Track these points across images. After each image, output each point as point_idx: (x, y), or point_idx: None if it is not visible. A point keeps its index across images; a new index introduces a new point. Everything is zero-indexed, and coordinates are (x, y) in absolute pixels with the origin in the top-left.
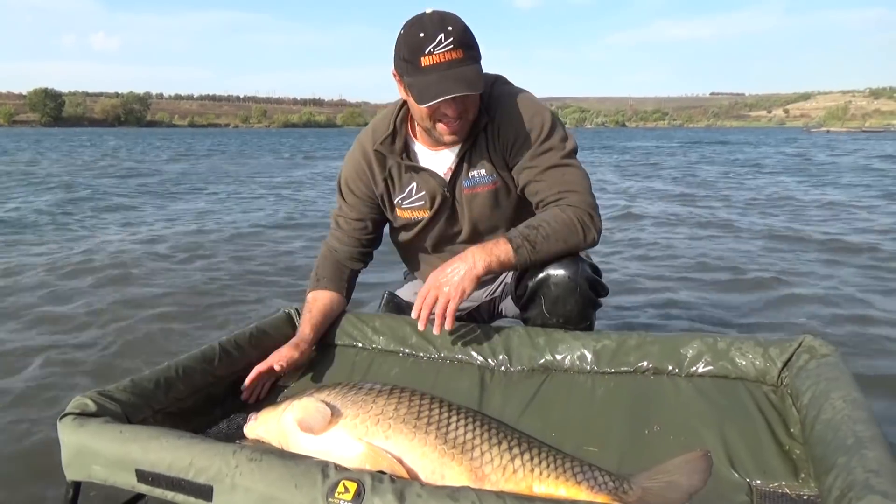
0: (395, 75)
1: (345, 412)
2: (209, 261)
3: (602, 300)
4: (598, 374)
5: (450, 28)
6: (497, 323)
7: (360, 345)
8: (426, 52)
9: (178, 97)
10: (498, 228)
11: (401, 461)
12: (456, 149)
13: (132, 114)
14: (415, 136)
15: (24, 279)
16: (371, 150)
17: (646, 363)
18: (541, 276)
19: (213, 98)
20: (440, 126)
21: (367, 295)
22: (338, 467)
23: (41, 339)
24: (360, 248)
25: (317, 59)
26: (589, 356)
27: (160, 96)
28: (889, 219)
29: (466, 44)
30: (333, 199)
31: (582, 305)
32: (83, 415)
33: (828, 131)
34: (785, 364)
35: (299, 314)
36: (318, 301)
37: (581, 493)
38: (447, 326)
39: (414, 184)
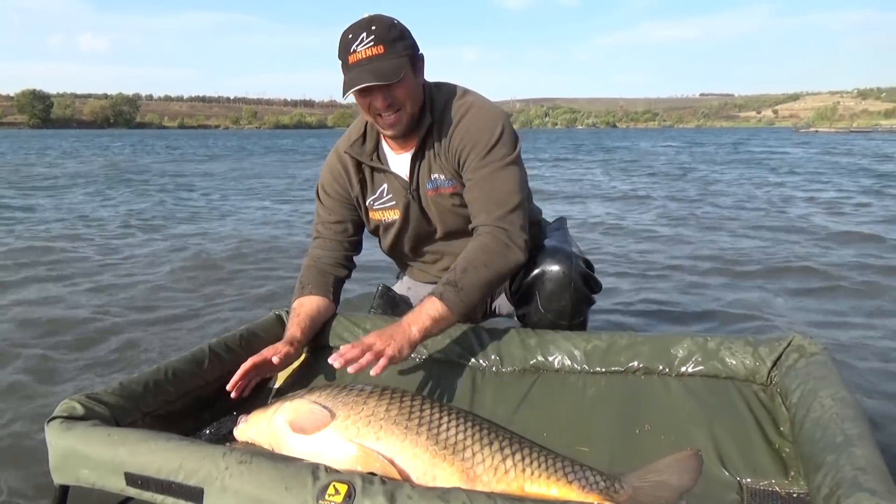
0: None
1: (336, 413)
2: None
3: (595, 297)
4: (588, 374)
5: (373, 27)
6: (490, 323)
7: None
8: (351, 50)
9: (167, 98)
10: (467, 230)
11: (392, 462)
12: (411, 151)
13: (121, 115)
14: (385, 139)
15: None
16: (343, 153)
17: (636, 363)
18: (535, 272)
19: (203, 99)
20: (380, 120)
21: (363, 291)
22: (328, 469)
23: (34, 339)
24: (343, 252)
25: (307, 60)
26: (579, 356)
27: (150, 98)
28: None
29: (389, 40)
30: None
31: (576, 300)
32: (71, 418)
33: (816, 131)
34: (774, 363)
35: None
36: (305, 306)
37: (572, 492)
38: (372, 373)
39: (385, 185)
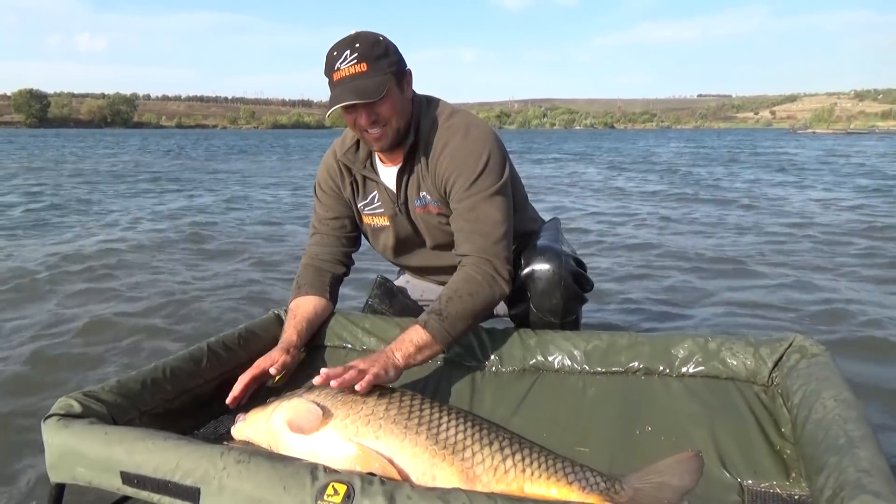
0: None
1: (335, 412)
2: None
3: (587, 295)
4: (588, 374)
5: (357, 45)
6: (487, 323)
7: (350, 345)
8: (335, 68)
9: (165, 98)
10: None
11: (391, 462)
12: (398, 167)
13: (119, 115)
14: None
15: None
16: (338, 157)
17: (637, 363)
18: (526, 271)
19: (201, 99)
20: (365, 135)
21: (358, 293)
22: (327, 469)
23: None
24: (341, 248)
25: (305, 60)
26: (579, 356)
27: (147, 97)
28: None
29: (372, 57)
30: None
31: (567, 299)
32: (68, 416)
33: (814, 132)
34: (776, 364)
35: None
36: (301, 307)
37: (572, 493)
38: (357, 388)
39: (375, 193)
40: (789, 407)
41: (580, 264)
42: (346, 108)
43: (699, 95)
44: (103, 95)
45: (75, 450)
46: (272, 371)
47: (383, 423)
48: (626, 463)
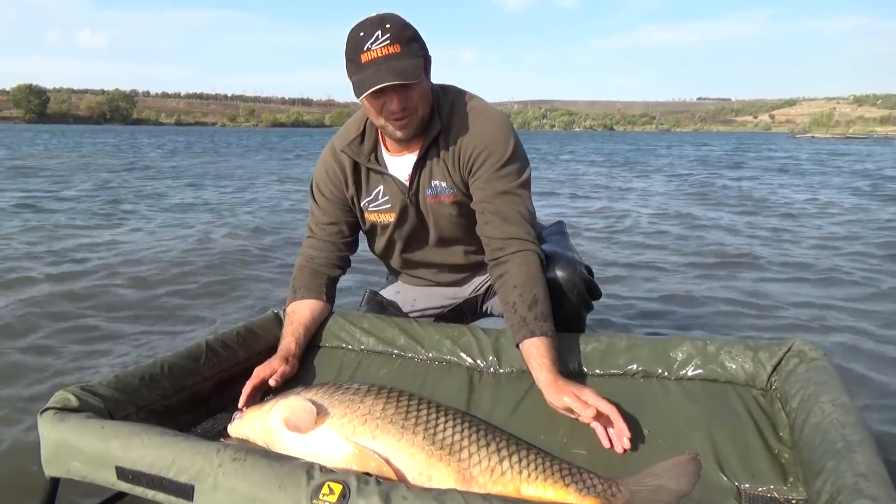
0: (348, 78)
1: (332, 412)
2: None
3: (594, 303)
4: (587, 376)
5: (387, 25)
6: (486, 324)
7: (348, 345)
8: (364, 48)
9: (164, 95)
10: (463, 236)
11: (388, 462)
12: (414, 154)
13: (118, 111)
14: (383, 141)
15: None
16: (339, 151)
17: (635, 366)
18: None
19: (201, 96)
20: (390, 125)
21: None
22: (323, 468)
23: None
24: (338, 253)
25: (305, 58)
26: (578, 359)
27: (146, 94)
28: None
29: (405, 39)
30: None
31: (578, 307)
32: (64, 409)
33: (812, 137)
34: (774, 368)
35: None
36: (298, 313)
37: (569, 495)
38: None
39: (381, 187)
40: (787, 411)
41: (590, 272)
42: (374, 93)
43: (699, 98)
44: (103, 92)
45: (71, 444)
46: (271, 383)
47: (380, 423)
48: (624, 465)
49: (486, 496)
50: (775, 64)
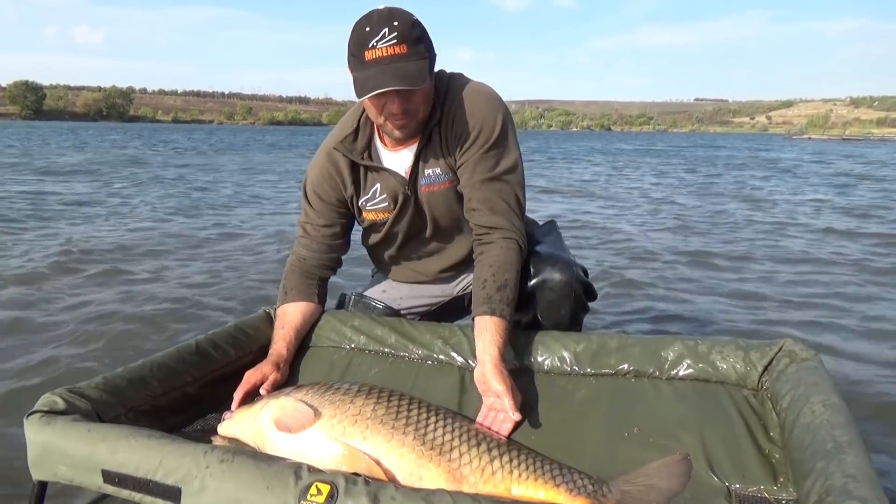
0: (348, 71)
1: (322, 412)
2: None
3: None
4: (578, 375)
5: (395, 23)
6: None
7: (338, 345)
8: (370, 46)
9: (161, 92)
10: (459, 224)
11: (378, 462)
12: (414, 147)
13: (115, 108)
14: (379, 136)
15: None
16: (333, 149)
17: (626, 365)
18: (536, 280)
19: (198, 94)
20: (389, 124)
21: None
22: (311, 469)
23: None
24: (330, 255)
25: (303, 57)
26: (569, 358)
27: (143, 91)
28: None
29: (412, 39)
30: None
31: (575, 310)
32: (51, 412)
33: (809, 138)
34: (765, 368)
35: None
36: (288, 315)
37: (560, 496)
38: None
39: (378, 185)
40: (778, 411)
41: (585, 273)
42: (376, 93)
43: (696, 99)
44: (99, 88)
45: (57, 447)
46: (262, 391)
47: (370, 424)
48: (614, 465)
49: (475, 496)
50: (773, 65)
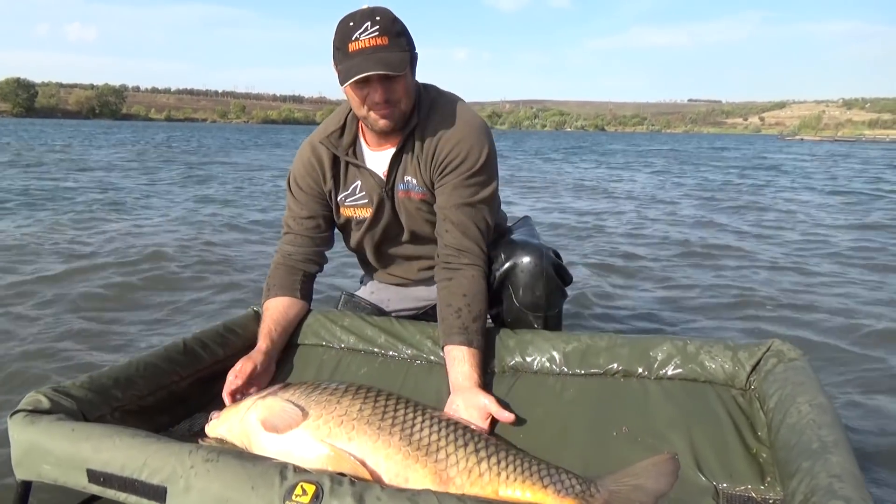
0: (334, 67)
1: (309, 412)
2: None
3: (567, 290)
4: (567, 375)
5: (377, 17)
6: None
7: (328, 344)
8: (353, 38)
9: (154, 90)
10: (433, 236)
11: (364, 463)
12: (392, 149)
13: (107, 106)
14: (363, 134)
15: None
16: (318, 143)
17: (615, 365)
18: (507, 265)
19: (191, 92)
20: (372, 114)
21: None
22: (296, 469)
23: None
24: (314, 248)
25: (297, 55)
26: (558, 358)
27: (136, 89)
28: None
29: (393, 33)
30: None
31: (550, 290)
32: (36, 412)
33: (802, 140)
34: (753, 368)
35: None
36: (271, 310)
37: (548, 497)
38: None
39: (358, 182)
40: (766, 411)
41: (558, 256)
42: (358, 82)
43: (689, 100)
44: (92, 86)
45: (41, 447)
46: (232, 379)
47: (356, 424)
48: (603, 464)
49: (461, 497)
50: (766, 67)
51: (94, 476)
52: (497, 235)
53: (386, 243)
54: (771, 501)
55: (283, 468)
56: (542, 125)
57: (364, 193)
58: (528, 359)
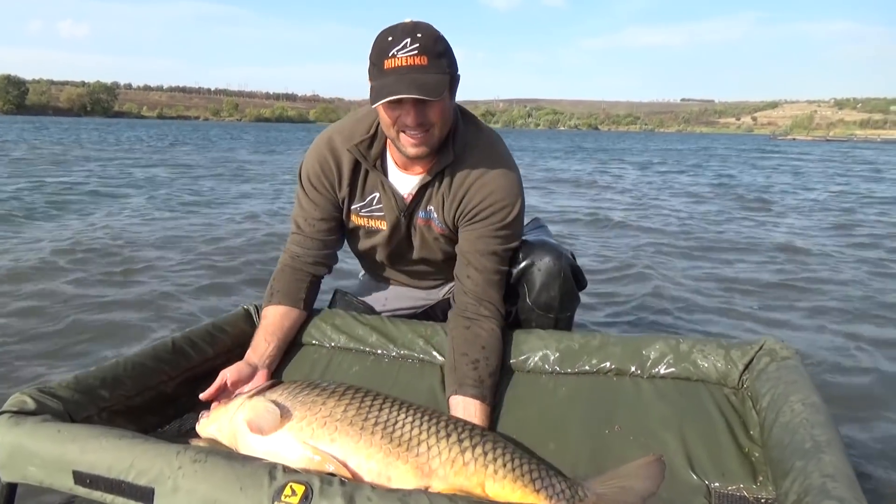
0: (368, 81)
1: (294, 413)
2: None
3: (580, 295)
4: (560, 374)
5: (419, 35)
6: None
7: (319, 342)
8: (390, 54)
9: (146, 88)
10: (441, 263)
11: (346, 465)
12: (421, 177)
13: (99, 104)
14: (390, 152)
15: None
16: (342, 147)
17: (608, 364)
18: (524, 264)
19: (184, 90)
20: (403, 137)
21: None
22: (286, 469)
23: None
24: (324, 251)
25: (290, 53)
26: (552, 357)
27: (128, 87)
28: None
29: (434, 53)
30: None
31: (565, 292)
32: (21, 413)
33: (794, 139)
34: (746, 366)
35: (258, 311)
36: (268, 318)
37: (539, 501)
38: None
39: (376, 195)
40: (758, 410)
41: (575, 259)
42: (391, 102)
43: (682, 100)
44: (83, 83)
45: (26, 448)
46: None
47: (339, 425)
48: (595, 463)
49: (451, 497)
50: (759, 67)
51: (80, 478)
52: None
53: (394, 257)
54: (763, 500)
55: (272, 468)
56: (535, 124)
57: (381, 207)
58: (522, 357)
